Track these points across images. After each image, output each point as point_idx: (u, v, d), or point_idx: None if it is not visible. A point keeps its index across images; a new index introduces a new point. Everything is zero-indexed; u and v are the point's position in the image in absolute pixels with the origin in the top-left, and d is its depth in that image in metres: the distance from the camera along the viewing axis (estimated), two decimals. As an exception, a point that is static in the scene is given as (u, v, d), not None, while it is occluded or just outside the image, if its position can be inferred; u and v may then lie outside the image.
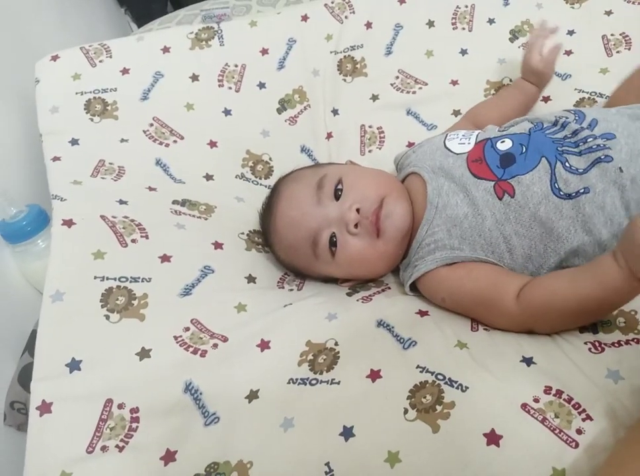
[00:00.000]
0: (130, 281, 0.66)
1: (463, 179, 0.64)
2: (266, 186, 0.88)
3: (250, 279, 0.73)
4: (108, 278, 0.65)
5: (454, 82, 0.93)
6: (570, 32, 0.94)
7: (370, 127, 0.91)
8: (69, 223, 0.69)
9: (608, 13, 0.94)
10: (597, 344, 0.55)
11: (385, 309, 0.67)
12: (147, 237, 0.72)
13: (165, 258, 0.70)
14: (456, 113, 0.91)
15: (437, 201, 0.65)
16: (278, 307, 0.69)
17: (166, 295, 0.67)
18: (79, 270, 0.65)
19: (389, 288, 0.72)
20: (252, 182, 0.89)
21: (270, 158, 0.90)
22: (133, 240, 0.70)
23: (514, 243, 0.62)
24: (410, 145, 0.89)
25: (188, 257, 0.72)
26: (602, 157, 0.60)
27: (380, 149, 0.90)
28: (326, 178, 0.71)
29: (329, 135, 0.91)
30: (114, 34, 1.78)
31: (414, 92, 0.93)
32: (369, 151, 0.90)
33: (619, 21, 0.93)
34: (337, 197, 0.70)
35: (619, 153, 0.60)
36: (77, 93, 0.88)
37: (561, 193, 0.60)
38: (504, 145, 0.64)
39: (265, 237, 0.78)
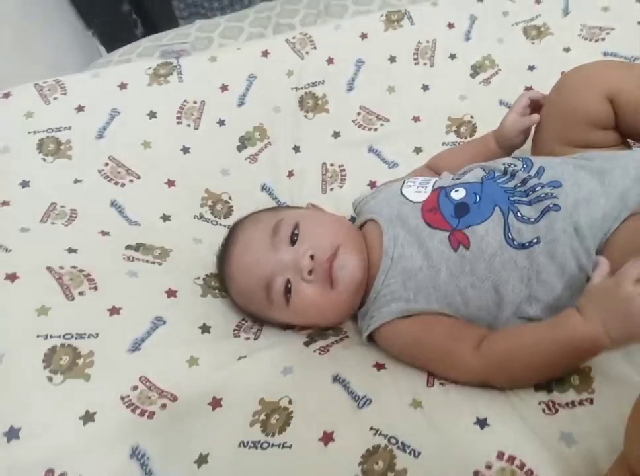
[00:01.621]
0: (76, 338, 0.63)
1: (418, 230, 0.63)
2: (225, 226, 0.86)
3: (205, 328, 0.71)
4: (51, 336, 0.62)
5: (416, 119, 0.93)
6: (531, 68, 0.95)
7: (332, 165, 0.90)
8: (12, 277, 0.66)
9: (567, 50, 0.95)
10: (551, 404, 0.54)
11: (342, 361, 0.65)
12: (95, 288, 0.69)
13: (114, 311, 0.67)
14: (417, 150, 0.90)
15: (392, 252, 0.64)
16: (232, 360, 0.67)
17: (114, 352, 0.64)
18: (20, 329, 0.62)
19: (347, 337, 0.71)
20: (211, 222, 0.87)
21: (230, 198, 0.88)
22: (81, 293, 0.68)
23: (469, 295, 0.61)
24: (371, 184, 0.88)
25: (138, 308, 0.69)
26: (551, 206, 0.60)
27: (341, 187, 0.89)
28: (283, 223, 0.69)
29: (290, 174, 0.90)
30: (81, 57, 1.75)
31: (375, 129, 0.92)
32: (331, 190, 0.89)
33: (578, 57, 0.93)
34: (293, 242, 0.68)
35: (565, 201, 0.60)
36: (29, 132, 0.86)
37: (515, 243, 0.60)
38: (458, 194, 0.64)
39: (221, 281, 0.76)
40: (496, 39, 0.98)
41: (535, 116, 0.75)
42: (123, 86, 0.91)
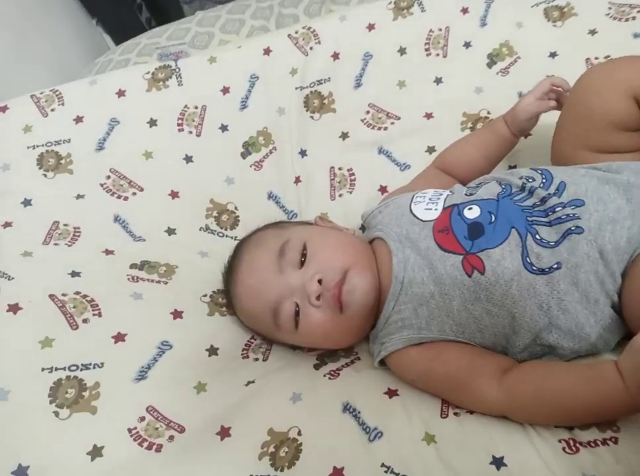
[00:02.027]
0: (81, 369, 0.63)
1: (429, 253, 0.60)
2: (232, 238, 0.84)
3: (212, 351, 0.69)
4: (56, 369, 0.62)
5: (428, 116, 0.87)
6: (553, 55, 0.88)
7: (340, 169, 0.86)
8: (14, 308, 0.65)
9: (592, 32, 0.88)
10: (572, 442, 0.51)
11: (352, 387, 0.63)
12: (99, 315, 0.68)
13: (119, 337, 0.66)
14: (431, 150, 0.85)
15: (402, 276, 0.61)
16: (240, 385, 0.65)
17: (120, 382, 0.63)
18: (25, 363, 0.62)
19: (359, 359, 0.68)
20: (218, 233, 0.84)
21: (236, 208, 0.85)
22: (85, 321, 0.66)
23: (485, 323, 0.58)
24: (382, 189, 0.84)
25: (144, 333, 0.68)
26: (573, 228, 0.55)
27: (351, 193, 0.85)
28: (289, 245, 0.66)
29: (297, 180, 0.86)
30: (86, 47, 1.72)
31: (385, 129, 0.87)
32: (340, 196, 0.85)
33: (603, 42, 0.87)
34: (300, 264, 0.65)
35: (588, 222, 0.55)
36: (28, 147, 0.84)
37: (534, 268, 0.55)
38: (472, 213, 0.60)
39: (228, 299, 0.74)
40: (515, 23, 0.91)
41: (552, 102, 0.69)
42: (121, 93, 0.87)
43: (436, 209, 0.63)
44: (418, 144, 0.86)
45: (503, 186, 0.62)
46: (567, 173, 0.61)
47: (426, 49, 0.90)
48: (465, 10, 0.92)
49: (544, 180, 0.60)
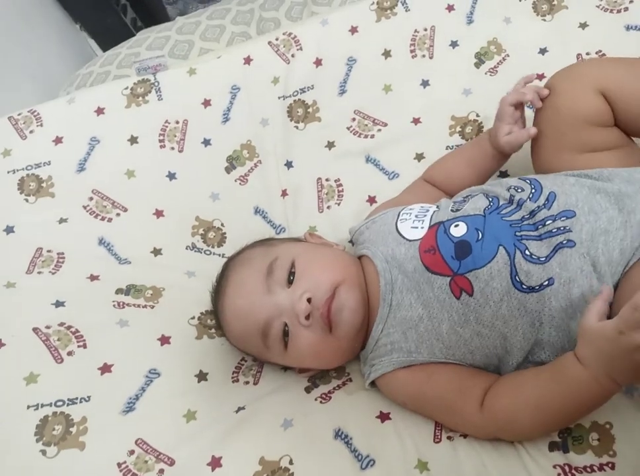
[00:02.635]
0: (67, 404, 0.62)
1: (416, 275, 0.58)
2: (219, 255, 0.82)
3: (201, 376, 0.68)
4: (42, 405, 0.61)
5: (416, 121, 0.85)
6: (542, 51, 0.85)
7: (327, 180, 0.84)
8: (-3, 344, 0.64)
9: (583, 26, 0.84)
10: (567, 468, 0.50)
11: (344, 411, 0.62)
12: (85, 346, 0.67)
13: (106, 369, 0.65)
14: (419, 157, 0.83)
15: (390, 299, 0.59)
16: (230, 412, 0.64)
17: (108, 415, 0.62)
18: (10, 401, 0.61)
19: (351, 380, 0.67)
20: (204, 252, 0.82)
21: (222, 224, 0.83)
22: (70, 353, 0.65)
23: (475, 344, 0.56)
24: (370, 199, 0.82)
25: (131, 362, 0.67)
26: (564, 242, 0.53)
27: (339, 204, 0.82)
28: (278, 263, 0.65)
29: (284, 193, 0.84)
30: (71, 53, 1.69)
31: (372, 136, 0.85)
32: (328, 208, 0.83)
33: (595, 35, 0.83)
34: (289, 283, 0.64)
35: (579, 234, 0.53)
36: (8, 172, 0.82)
37: (524, 287, 0.54)
38: (458, 231, 0.58)
39: (216, 320, 0.73)
40: (503, 18, 0.87)
41: (533, 130, 0.66)
42: (100, 111, 0.85)
43: (422, 228, 0.60)
44: (406, 151, 0.83)
45: (490, 199, 0.60)
46: (557, 182, 0.59)
47: (412, 51, 0.87)
48: (450, 8, 0.88)
49: (533, 191, 0.58)
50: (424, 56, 0.87)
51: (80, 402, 0.62)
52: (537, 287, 0.53)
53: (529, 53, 0.85)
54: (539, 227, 0.55)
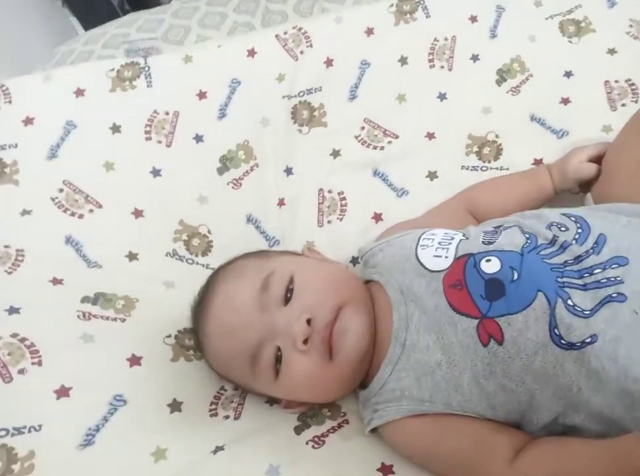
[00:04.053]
0: (12, 435, 0.52)
1: (438, 313, 0.51)
2: (203, 265, 0.73)
3: (175, 406, 0.59)
4: (-20, 435, 0.51)
5: (430, 136, 0.78)
6: (568, 74, 0.80)
7: (330, 192, 0.76)
8: None
9: (611, 52, 0.80)
10: None
11: (340, 461, 0.54)
12: (39, 364, 0.57)
13: (63, 392, 0.56)
14: (432, 175, 0.76)
15: (404, 338, 0.52)
16: (206, 453, 0.55)
17: (61, 450, 0.52)
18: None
19: (347, 422, 0.59)
20: (187, 260, 0.73)
21: (209, 231, 0.75)
22: (21, 371, 0.56)
23: (499, 400, 0.49)
24: (376, 216, 0.74)
25: (93, 386, 0.57)
26: (614, 295, 0.47)
27: (341, 220, 0.75)
28: (274, 277, 0.57)
29: (281, 202, 0.76)
30: (49, 31, 1.57)
31: (382, 148, 0.78)
32: (329, 222, 0.75)
33: (624, 63, 0.79)
34: (286, 301, 0.56)
35: (631, 286, 0.47)
36: (-34, 152, 0.72)
37: (563, 342, 0.47)
38: (490, 267, 0.51)
39: (196, 339, 0.64)
40: (527, 36, 0.82)
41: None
42: (80, 92, 0.76)
43: (446, 257, 0.53)
44: (417, 168, 0.76)
45: (527, 236, 0.53)
46: (606, 222, 0.52)
47: (430, 60, 0.81)
48: (473, 19, 0.83)
49: (580, 231, 0.52)
50: (442, 67, 0.81)
51: (29, 431, 0.53)
52: (578, 344, 0.46)
53: (554, 75, 0.80)
54: (585, 275, 0.48)
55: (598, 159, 0.66)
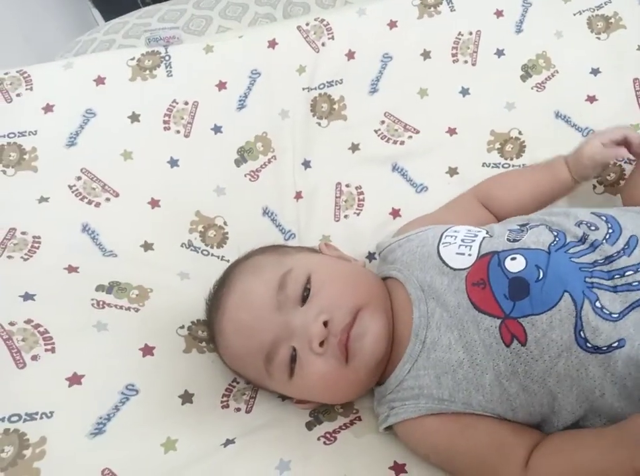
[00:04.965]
0: (24, 420, 0.52)
1: (460, 311, 0.49)
2: (218, 257, 0.73)
3: (186, 397, 0.58)
4: (-7, 420, 0.51)
5: (451, 131, 0.77)
6: (595, 71, 0.78)
7: (347, 186, 0.75)
8: (-54, 339, 0.54)
9: (642, 48, 0.78)
10: None
11: (352, 458, 0.53)
12: (53, 350, 0.57)
13: (75, 379, 0.55)
14: (452, 171, 0.75)
15: (424, 335, 0.51)
16: (217, 445, 0.55)
17: (72, 437, 0.52)
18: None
19: (360, 419, 0.58)
20: (202, 251, 0.73)
21: (225, 223, 0.74)
22: (34, 357, 0.55)
23: (520, 402, 0.48)
24: (394, 212, 0.73)
25: (106, 374, 0.57)
26: None
27: (358, 214, 0.74)
28: (291, 275, 0.56)
29: (298, 195, 0.75)
30: (71, 21, 1.58)
31: (402, 143, 0.77)
32: (345, 217, 0.74)
33: (655, 60, 0.77)
34: (303, 300, 0.55)
35: None
36: (-14, 137, 0.72)
37: (588, 345, 0.45)
38: (515, 265, 0.49)
39: (210, 333, 0.63)
40: (554, 32, 0.80)
41: (624, 150, 0.59)
42: (100, 80, 0.75)
43: (469, 255, 0.52)
44: (438, 163, 0.75)
45: (555, 234, 0.51)
46: (637, 223, 0.51)
47: (453, 55, 0.79)
48: (499, 13, 0.81)
49: (610, 231, 0.50)
50: (466, 62, 0.79)
51: (41, 418, 0.52)
52: (604, 348, 0.45)
53: (581, 72, 0.78)
54: (616, 276, 0.47)
55: (617, 144, 0.63)
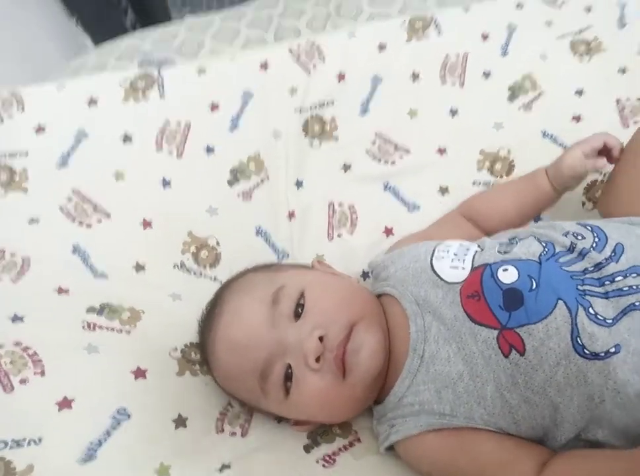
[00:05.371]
0: (11, 447, 0.50)
1: (457, 324, 0.49)
2: (211, 278, 0.72)
3: (180, 422, 0.57)
4: (-22, 447, 0.49)
5: (441, 151, 0.78)
6: (579, 92, 0.80)
7: (340, 205, 0.75)
8: None
9: (622, 71, 0.80)
10: None
11: (351, 482, 0.52)
12: (42, 373, 0.55)
13: (65, 404, 0.54)
14: (443, 191, 0.76)
15: (422, 349, 0.51)
16: (213, 471, 0.54)
17: (61, 465, 0.51)
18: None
19: (359, 440, 0.57)
20: (194, 272, 0.72)
21: (218, 243, 0.73)
22: (23, 381, 0.54)
23: (522, 413, 0.47)
24: (387, 231, 0.74)
25: (97, 398, 0.56)
26: (636, 304, 0.46)
27: (351, 233, 0.74)
28: (284, 291, 0.55)
29: (291, 215, 0.75)
30: (62, 48, 1.58)
31: (393, 163, 0.77)
32: (339, 236, 0.74)
33: (635, 81, 0.79)
34: (297, 315, 0.54)
35: None
36: (-24, 158, 0.71)
37: (586, 351, 0.45)
38: (508, 277, 0.49)
39: (203, 355, 0.62)
40: (539, 54, 0.82)
41: (603, 161, 0.60)
42: (92, 101, 0.75)
43: (463, 268, 0.52)
44: (429, 183, 0.76)
45: (544, 244, 0.52)
46: (622, 232, 0.52)
47: (442, 76, 0.81)
48: (485, 37, 0.83)
49: (597, 240, 0.51)
50: (454, 83, 0.81)
51: (29, 445, 0.51)
52: (601, 355, 0.45)
53: (566, 93, 0.80)
54: (606, 283, 0.47)
55: (596, 153, 0.64)
